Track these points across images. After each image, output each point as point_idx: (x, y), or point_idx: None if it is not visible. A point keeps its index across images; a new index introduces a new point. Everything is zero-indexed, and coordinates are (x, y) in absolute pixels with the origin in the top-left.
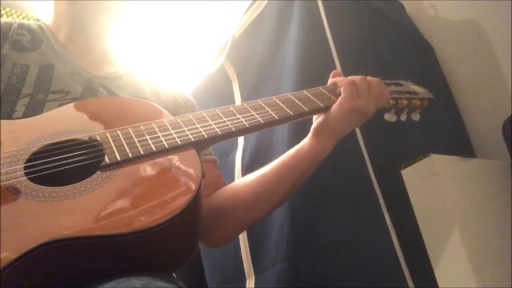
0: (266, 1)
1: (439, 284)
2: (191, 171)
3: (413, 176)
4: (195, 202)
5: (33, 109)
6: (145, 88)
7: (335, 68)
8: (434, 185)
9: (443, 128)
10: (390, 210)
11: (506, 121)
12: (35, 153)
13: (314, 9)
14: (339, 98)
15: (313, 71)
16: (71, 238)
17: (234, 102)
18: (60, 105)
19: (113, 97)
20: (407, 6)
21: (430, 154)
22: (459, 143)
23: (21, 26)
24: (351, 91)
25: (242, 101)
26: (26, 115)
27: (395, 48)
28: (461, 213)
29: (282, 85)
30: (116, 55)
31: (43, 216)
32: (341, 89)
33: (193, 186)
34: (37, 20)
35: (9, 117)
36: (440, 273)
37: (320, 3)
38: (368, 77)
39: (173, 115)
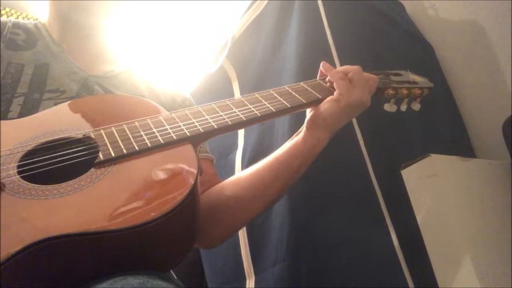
0: (266, 1)
1: (439, 284)
2: (188, 165)
3: (413, 176)
4: (192, 196)
5: (29, 109)
6: (143, 87)
7: (335, 68)
8: (434, 185)
9: (443, 128)
10: (390, 210)
11: (506, 121)
12: (29, 152)
13: (314, 9)
14: (335, 94)
15: (313, 71)
16: (66, 235)
17: None
18: (55, 104)
19: (108, 95)
20: (407, 6)
21: (430, 154)
22: (459, 143)
23: (16, 25)
24: (346, 86)
25: None
26: (21, 114)
27: (395, 48)
28: (461, 213)
29: (282, 84)
30: (112, 54)
31: (37, 214)
32: (334, 85)
33: (190, 180)
34: (36, 19)
35: (5, 116)
36: (440, 273)
37: (320, 3)
38: (349, 67)
39: None
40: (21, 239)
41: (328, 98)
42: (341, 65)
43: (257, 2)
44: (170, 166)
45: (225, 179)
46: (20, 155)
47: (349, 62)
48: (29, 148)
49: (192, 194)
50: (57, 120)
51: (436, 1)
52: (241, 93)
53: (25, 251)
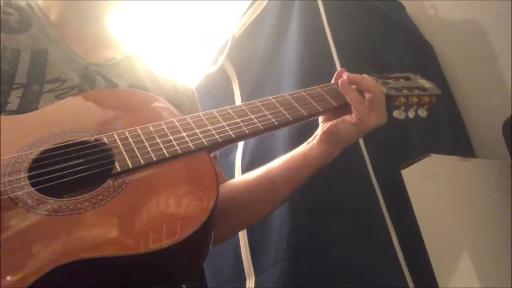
0: (266, 1)
1: (439, 284)
2: (206, 177)
3: (413, 176)
4: (213, 212)
5: (28, 101)
6: (144, 76)
7: (335, 68)
8: (434, 185)
9: (443, 128)
10: (390, 210)
11: (506, 121)
12: (38, 159)
13: (314, 9)
14: (354, 118)
15: (313, 71)
16: (87, 259)
17: (234, 102)
18: (57, 96)
19: (115, 90)
20: (407, 6)
21: (430, 154)
22: (459, 143)
23: (7, 4)
24: (365, 112)
25: (242, 101)
26: (21, 106)
27: (395, 48)
28: (461, 213)
29: (282, 84)
30: (113, 40)
31: (58, 233)
32: (352, 108)
33: (211, 195)
34: None
35: (3, 108)
36: (440, 273)
37: (320, 3)
38: (372, 87)
39: (174, 104)
40: (44, 261)
41: (347, 119)
42: (341, 65)
43: (257, 2)
44: (189, 179)
45: (227, 179)
46: (29, 161)
47: (349, 62)
48: (38, 153)
49: (213, 212)
50: (65, 119)
51: (436, 1)
52: (241, 93)
53: (42, 278)
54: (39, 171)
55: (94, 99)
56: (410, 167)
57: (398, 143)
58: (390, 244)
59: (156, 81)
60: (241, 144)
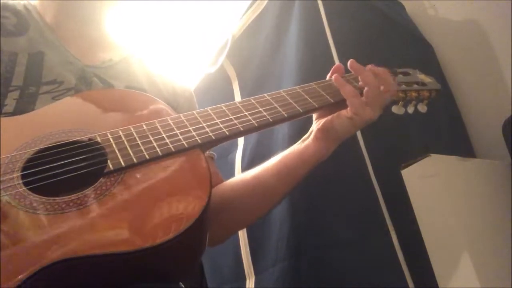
0: (266, 1)
1: (439, 284)
2: (200, 175)
3: (413, 176)
4: (206, 209)
5: (25, 103)
6: (142, 77)
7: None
8: (434, 185)
9: (443, 128)
10: (390, 210)
11: (506, 121)
12: (32, 159)
13: (314, 9)
14: (349, 112)
15: (313, 71)
16: (84, 256)
17: None
18: (53, 98)
19: (110, 91)
20: (407, 6)
21: (430, 154)
22: (459, 143)
23: (4, 7)
24: (360, 106)
25: None
26: (17, 109)
27: (395, 48)
28: (461, 213)
29: (282, 85)
30: (110, 41)
31: (51, 231)
32: (348, 102)
33: (204, 193)
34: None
35: None
36: (440, 273)
37: (320, 3)
38: (368, 80)
39: (172, 106)
40: (36, 258)
41: (342, 114)
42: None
43: (257, 2)
44: (183, 177)
45: (226, 179)
46: (22, 162)
47: None
48: (32, 152)
49: (207, 206)
50: (60, 120)
51: (436, 1)
52: (241, 93)
53: (39, 272)
54: (32, 171)
55: (90, 99)
56: (410, 167)
57: (398, 143)
58: (390, 244)
59: (154, 82)
60: (241, 144)
